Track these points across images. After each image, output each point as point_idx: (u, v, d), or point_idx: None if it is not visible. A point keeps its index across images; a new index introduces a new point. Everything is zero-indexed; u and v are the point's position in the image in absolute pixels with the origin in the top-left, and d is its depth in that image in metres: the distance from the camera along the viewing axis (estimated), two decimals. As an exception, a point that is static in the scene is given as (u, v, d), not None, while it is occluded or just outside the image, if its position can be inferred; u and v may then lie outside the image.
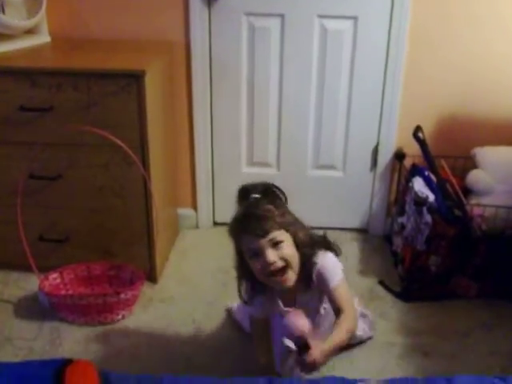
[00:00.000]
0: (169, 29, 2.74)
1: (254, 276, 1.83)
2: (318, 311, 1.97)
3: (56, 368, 1.33)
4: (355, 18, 2.70)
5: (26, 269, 2.48)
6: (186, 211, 3.10)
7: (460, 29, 2.68)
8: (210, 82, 2.83)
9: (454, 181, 2.63)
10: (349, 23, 2.72)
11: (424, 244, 2.47)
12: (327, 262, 1.88)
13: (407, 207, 2.64)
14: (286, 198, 1.90)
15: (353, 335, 1.92)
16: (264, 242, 1.73)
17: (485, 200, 2.54)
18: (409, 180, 2.67)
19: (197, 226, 3.14)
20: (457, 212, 2.48)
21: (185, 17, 2.71)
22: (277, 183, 3.05)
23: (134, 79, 2.27)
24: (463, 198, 2.55)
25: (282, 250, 1.75)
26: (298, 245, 1.80)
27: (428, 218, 2.44)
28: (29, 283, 2.55)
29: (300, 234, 1.81)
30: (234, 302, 2.37)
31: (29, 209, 2.46)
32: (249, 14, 2.70)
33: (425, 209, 2.44)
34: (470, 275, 2.52)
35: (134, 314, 2.43)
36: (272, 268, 1.74)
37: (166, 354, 2.22)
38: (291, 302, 1.91)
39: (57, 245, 2.58)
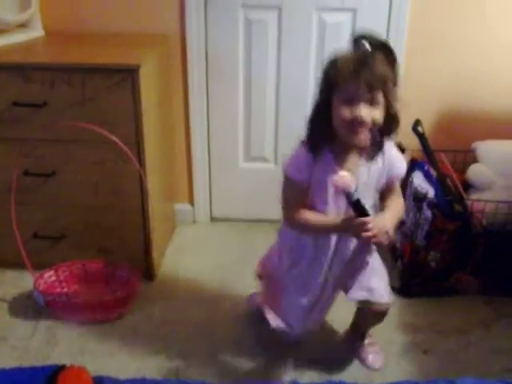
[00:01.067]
0: (164, 21, 2.71)
1: (329, 124, 1.72)
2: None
3: (49, 374, 1.30)
4: (354, 10, 2.66)
5: (21, 267, 2.44)
6: (182, 206, 3.08)
7: (461, 21, 2.66)
8: (206, 76, 2.80)
9: (454, 175, 2.60)
10: (348, 15, 2.68)
11: (424, 239, 2.44)
12: (395, 149, 1.88)
13: (407, 202, 2.61)
14: (397, 67, 1.74)
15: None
16: (367, 95, 1.63)
17: (485, 195, 2.52)
18: (408, 175, 2.64)
19: (194, 221, 3.12)
20: (457, 207, 2.45)
21: (180, 9, 2.68)
22: (274, 178, 3.04)
23: (129, 74, 2.23)
24: (463, 193, 2.53)
25: (376, 112, 1.66)
26: (387, 117, 1.70)
27: (428, 213, 2.41)
28: (24, 281, 2.52)
29: (392, 111, 1.71)
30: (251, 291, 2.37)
31: (23, 206, 2.43)
32: (245, 7, 2.66)
33: (424, 204, 2.41)
34: (470, 271, 2.50)
35: (131, 312, 2.41)
36: (359, 125, 1.66)
37: (164, 353, 2.19)
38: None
39: (52, 242, 2.55)
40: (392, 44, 2.58)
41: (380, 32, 2.60)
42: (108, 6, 2.71)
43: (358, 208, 1.69)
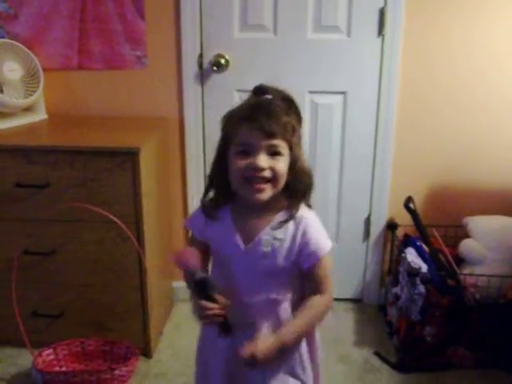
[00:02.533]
0: (163, 105, 2.82)
1: (226, 182, 1.50)
2: (273, 273, 1.52)
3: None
4: (344, 93, 2.77)
5: (20, 344, 2.46)
6: (180, 284, 3.10)
7: (446, 103, 2.76)
8: (204, 158, 2.88)
9: (446, 250, 2.65)
10: (338, 98, 2.79)
11: (418, 314, 2.47)
12: (317, 221, 1.54)
13: (401, 277, 2.66)
14: (301, 121, 1.54)
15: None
16: (264, 143, 1.41)
17: (477, 269, 2.55)
18: (401, 250, 2.69)
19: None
20: (450, 282, 2.49)
21: (178, 94, 2.79)
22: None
23: (129, 156, 2.32)
24: (456, 268, 2.57)
25: (277, 163, 1.43)
26: (292, 171, 1.48)
27: (421, 288, 2.44)
28: (22, 359, 2.53)
29: (299, 163, 1.49)
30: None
31: (23, 284, 2.47)
32: (241, 91, 2.77)
33: (418, 279, 2.45)
34: (465, 345, 2.52)
35: (129, 390, 2.41)
36: (256, 174, 1.42)
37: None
38: (249, 241, 1.52)
39: (51, 320, 2.57)
40: (383, 123, 2.77)
41: (370, 113, 2.75)
42: (108, 90, 2.82)
43: (202, 289, 1.42)
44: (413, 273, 2.46)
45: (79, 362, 2.49)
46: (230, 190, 1.51)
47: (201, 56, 2.73)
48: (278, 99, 1.47)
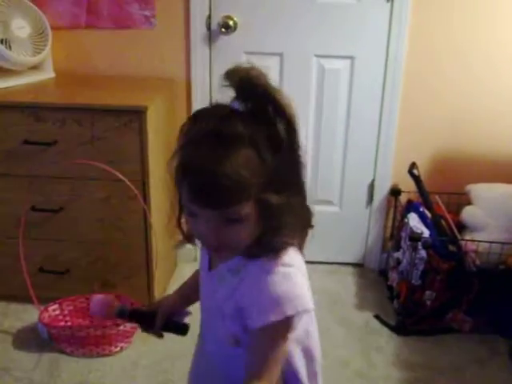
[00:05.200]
0: (170, 66, 2.82)
1: None
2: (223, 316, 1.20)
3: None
4: (352, 58, 2.77)
5: (26, 300, 2.50)
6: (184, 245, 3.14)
7: (453, 68, 2.76)
8: (210, 119, 2.88)
9: (448, 217, 2.68)
10: (346, 62, 2.79)
11: (419, 279, 2.50)
12: (281, 280, 1.10)
13: (402, 242, 2.69)
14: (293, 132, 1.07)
15: None
16: (211, 213, 1.05)
17: (479, 235, 2.58)
18: (404, 216, 2.72)
19: (195, 260, 3.17)
20: (451, 247, 2.52)
21: (186, 55, 2.79)
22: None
23: (137, 115, 2.33)
24: (457, 234, 2.59)
25: (231, 233, 1.06)
26: (262, 220, 1.08)
27: (423, 253, 2.48)
28: (28, 314, 2.57)
29: (272, 208, 1.05)
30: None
31: (30, 241, 2.50)
32: (249, 53, 2.78)
33: (420, 244, 2.48)
34: (464, 310, 2.55)
35: (133, 345, 2.45)
36: (203, 243, 1.15)
37: (164, 386, 2.23)
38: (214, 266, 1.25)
39: (57, 276, 2.60)
40: (389, 89, 2.78)
41: (376, 78, 2.74)
42: (116, 50, 2.82)
43: (134, 318, 1.46)
44: (415, 237, 2.49)
45: (84, 318, 2.53)
46: None
47: (209, 17, 2.72)
48: (248, 111, 1.04)
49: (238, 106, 1.05)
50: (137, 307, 1.60)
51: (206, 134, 1.04)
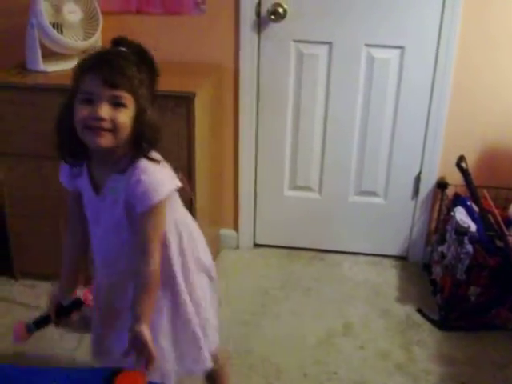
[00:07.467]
0: (219, 53, 2.82)
1: (72, 133, 1.50)
2: (121, 230, 1.58)
3: (105, 377, 1.36)
4: (402, 48, 2.73)
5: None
6: (227, 232, 3.16)
7: (506, 59, 2.70)
8: (257, 107, 2.90)
9: (496, 212, 2.63)
10: (396, 52, 2.75)
11: (464, 274, 2.47)
12: (157, 170, 1.54)
13: (448, 236, 2.65)
14: (157, 76, 1.64)
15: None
16: (106, 93, 1.43)
17: (527, 232, 2.53)
18: (450, 209, 2.68)
19: (237, 247, 3.19)
20: (498, 243, 2.48)
21: (235, 42, 2.79)
22: (318, 208, 3.10)
23: (184, 101, 2.34)
24: (505, 229, 2.54)
25: (119, 115, 1.45)
26: (137, 124, 1.50)
27: (469, 247, 2.44)
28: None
29: (147, 116, 1.51)
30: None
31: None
32: (297, 41, 2.76)
33: (466, 238, 2.44)
34: (509, 307, 2.51)
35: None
36: (96, 124, 1.44)
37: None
38: (101, 189, 1.58)
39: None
40: (439, 80, 2.73)
41: (427, 69, 2.70)
42: (165, 35, 2.83)
43: (40, 325, 1.69)
44: (461, 231, 2.45)
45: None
46: (79, 141, 1.51)
47: (259, 4, 2.71)
48: (131, 52, 1.54)
49: None
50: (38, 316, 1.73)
51: (101, 51, 1.56)
